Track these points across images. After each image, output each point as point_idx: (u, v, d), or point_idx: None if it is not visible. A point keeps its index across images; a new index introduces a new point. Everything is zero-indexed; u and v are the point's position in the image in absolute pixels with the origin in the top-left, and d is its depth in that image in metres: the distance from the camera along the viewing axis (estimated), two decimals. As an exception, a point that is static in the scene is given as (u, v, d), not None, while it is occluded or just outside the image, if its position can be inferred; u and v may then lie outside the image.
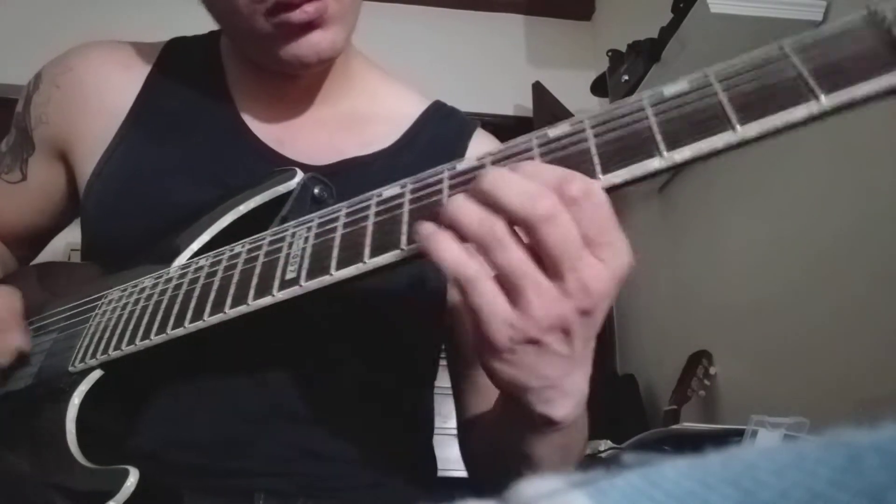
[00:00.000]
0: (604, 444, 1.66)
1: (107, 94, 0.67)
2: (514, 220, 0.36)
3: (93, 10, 2.66)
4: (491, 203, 0.37)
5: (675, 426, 1.39)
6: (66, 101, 0.68)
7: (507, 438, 0.48)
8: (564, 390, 0.41)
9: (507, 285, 0.37)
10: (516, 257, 0.36)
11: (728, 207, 1.93)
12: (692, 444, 1.24)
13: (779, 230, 1.67)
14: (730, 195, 1.92)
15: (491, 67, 2.88)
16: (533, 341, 0.38)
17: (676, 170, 0.37)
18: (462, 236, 0.38)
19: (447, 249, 0.38)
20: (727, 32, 1.59)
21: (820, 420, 1.16)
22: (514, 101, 2.82)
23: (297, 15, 0.54)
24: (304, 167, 0.57)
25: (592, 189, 0.36)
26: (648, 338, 2.43)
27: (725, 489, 0.16)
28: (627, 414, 2.29)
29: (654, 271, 2.40)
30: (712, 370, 1.81)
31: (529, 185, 0.36)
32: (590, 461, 1.63)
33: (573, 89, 2.58)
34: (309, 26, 0.55)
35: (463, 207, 0.38)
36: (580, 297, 0.36)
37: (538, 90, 2.54)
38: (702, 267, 2.06)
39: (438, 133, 0.69)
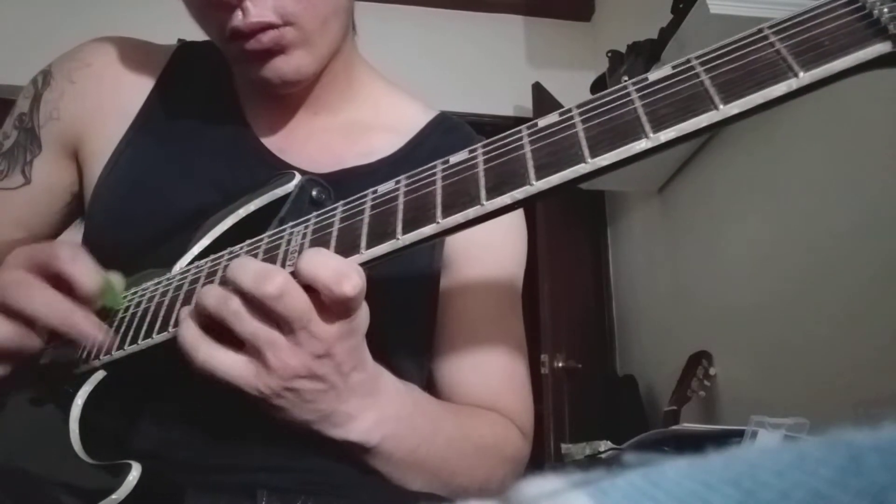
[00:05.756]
0: (604, 445, 1.66)
1: (121, 93, 0.67)
2: (249, 300, 0.42)
3: (93, 10, 2.66)
4: (230, 285, 0.43)
5: (675, 427, 1.39)
6: (81, 97, 0.67)
7: None
8: (347, 414, 0.47)
9: (250, 348, 0.43)
10: (249, 327, 0.42)
11: (728, 207, 1.93)
12: (692, 444, 1.24)
13: (779, 230, 1.67)
14: (730, 195, 1.92)
15: (491, 68, 2.88)
16: (286, 389, 0.44)
17: (662, 151, 0.38)
18: (207, 316, 0.43)
19: (186, 336, 0.44)
20: (727, 33, 1.56)
21: (820, 420, 1.17)
22: (514, 101, 2.81)
23: (252, 44, 0.55)
24: (306, 174, 0.57)
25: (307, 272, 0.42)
26: (648, 338, 2.43)
27: (727, 489, 0.16)
28: (627, 414, 2.28)
29: (654, 271, 2.40)
30: (712, 371, 1.81)
31: (259, 266, 0.42)
32: (590, 461, 1.63)
33: (573, 90, 2.58)
34: (269, 53, 0.56)
35: (206, 292, 0.44)
36: (312, 344, 0.43)
37: (538, 91, 2.54)
38: (702, 267, 2.06)
39: (441, 145, 0.69)
